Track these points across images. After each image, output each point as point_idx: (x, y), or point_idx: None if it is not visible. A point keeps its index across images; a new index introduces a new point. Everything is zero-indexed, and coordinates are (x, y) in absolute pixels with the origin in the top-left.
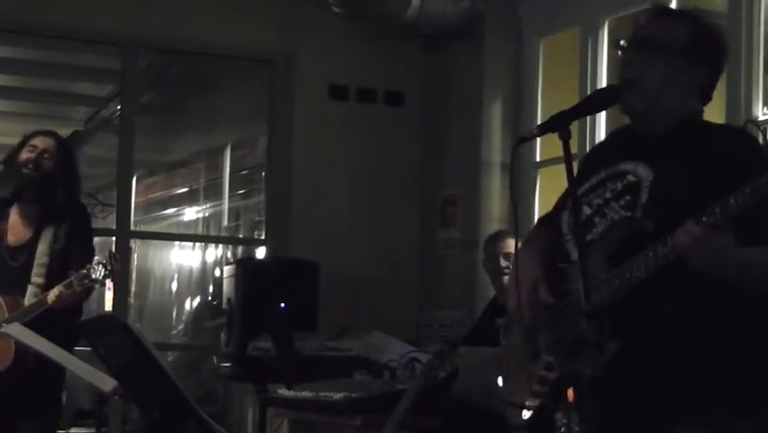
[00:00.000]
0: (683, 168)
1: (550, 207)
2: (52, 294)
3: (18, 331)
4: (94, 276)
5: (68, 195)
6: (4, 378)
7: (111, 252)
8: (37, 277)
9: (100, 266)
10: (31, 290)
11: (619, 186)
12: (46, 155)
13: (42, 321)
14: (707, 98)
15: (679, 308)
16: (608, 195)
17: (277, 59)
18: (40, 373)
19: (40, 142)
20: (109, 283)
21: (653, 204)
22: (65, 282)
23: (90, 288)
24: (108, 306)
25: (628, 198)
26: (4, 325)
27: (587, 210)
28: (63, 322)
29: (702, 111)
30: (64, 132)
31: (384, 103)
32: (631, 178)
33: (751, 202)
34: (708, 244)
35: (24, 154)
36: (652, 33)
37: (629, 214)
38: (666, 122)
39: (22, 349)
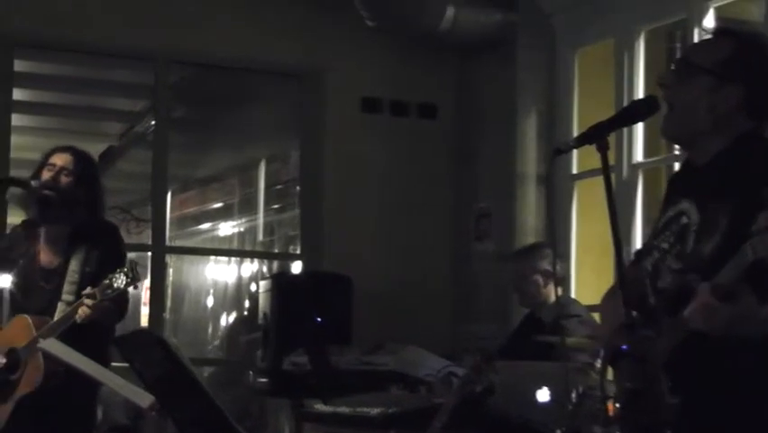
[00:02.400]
0: (725, 204)
1: (586, 220)
2: (81, 311)
3: (55, 347)
4: (116, 285)
5: (91, 211)
6: (34, 397)
7: (131, 260)
8: (68, 295)
9: (122, 275)
10: (60, 307)
11: (675, 230)
12: (64, 172)
13: (77, 337)
14: (761, 115)
15: (726, 360)
16: (671, 240)
17: (309, 73)
18: (70, 391)
19: (58, 159)
20: (144, 298)
21: (694, 255)
22: (87, 293)
23: (122, 306)
24: (144, 321)
25: (679, 247)
26: (41, 341)
27: (656, 255)
28: (98, 339)
29: (760, 128)
30: (98, 147)
31: (417, 116)
32: (684, 220)
33: None
34: (720, 318)
35: (45, 174)
36: (688, 55)
37: (680, 266)
38: (710, 147)
39: (52, 368)
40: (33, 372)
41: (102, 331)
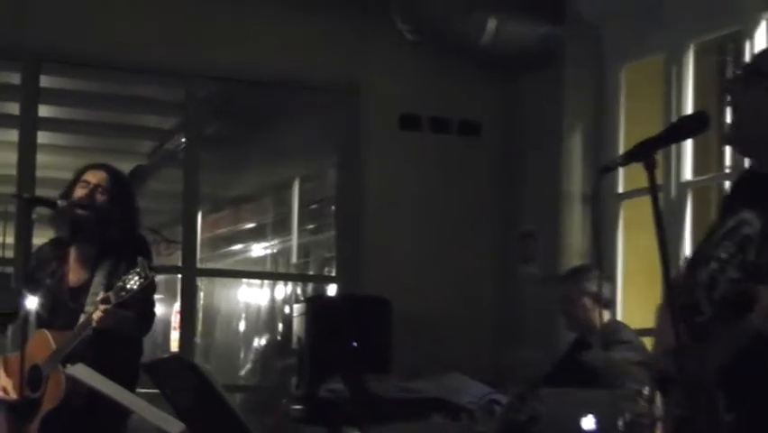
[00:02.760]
0: None
1: (633, 241)
2: (96, 314)
3: (83, 373)
4: (129, 286)
5: (125, 229)
6: (53, 416)
7: (143, 260)
8: (90, 306)
9: (134, 275)
10: (82, 318)
11: (736, 240)
12: (99, 190)
13: (102, 361)
14: None
15: None
16: (732, 250)
17: (345, 89)
18: (93, 412)
19: (92, 176)
20: (175, 323)
21: (757, 265)
22: (102, 298)
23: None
24: (174, 346)
25: (740, 257)
26: (68, 366)
27: (713, 265)
28: (123, 362)
29: None
30: (127, 166)
31: (458, 133)
32: (746, 230)
33: None
34: None
35: (78, 191)
36: (756, 61)
37: (741, 276)
38: None
39: (73, 386)
40: (55, 387)
41: (128, 347)
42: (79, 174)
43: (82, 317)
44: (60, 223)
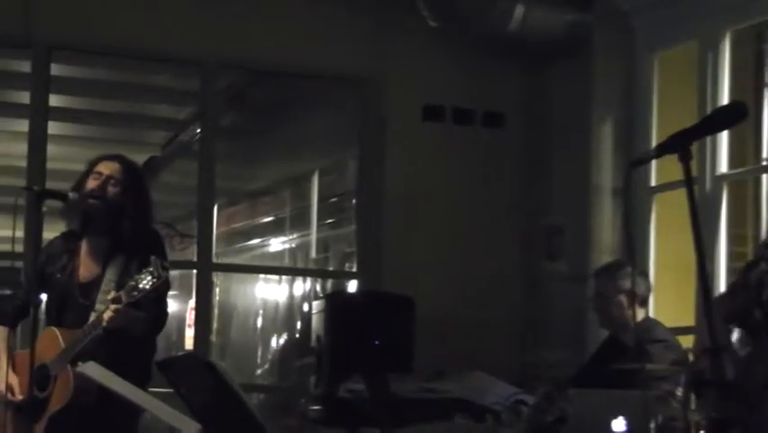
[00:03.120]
0: None
1: (666, 236)
2: (106, 314)
3: (96, 371)
4: (141, 285)
5: (137, 223)
6: (62, 416)
7: (156, 259)
8: (101, 305)
9: (147, 274)
10: (92, 318)
11: None
12: (111, 181)
13: (113, 360)
14: None
15: None
16: None
17: (367, 79)
18: (103, 412)
19: (104, 167)
20: (189, 320)
21: None
22: (113, 297)
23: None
24: (189, 344)
25: None
26: (80, 364)
27: (763, 266)
28: (135, 361)
29: None
30: (141, 157)
31: (482, 124)
32: None
33: None
34: None
35: (90, 183)
36: None
37: None
38: None
39: (82, 384)
40: (63, 387)
41: (140, 345)
42: (92, 165)
43: (92, 316)
44: (71, 215)
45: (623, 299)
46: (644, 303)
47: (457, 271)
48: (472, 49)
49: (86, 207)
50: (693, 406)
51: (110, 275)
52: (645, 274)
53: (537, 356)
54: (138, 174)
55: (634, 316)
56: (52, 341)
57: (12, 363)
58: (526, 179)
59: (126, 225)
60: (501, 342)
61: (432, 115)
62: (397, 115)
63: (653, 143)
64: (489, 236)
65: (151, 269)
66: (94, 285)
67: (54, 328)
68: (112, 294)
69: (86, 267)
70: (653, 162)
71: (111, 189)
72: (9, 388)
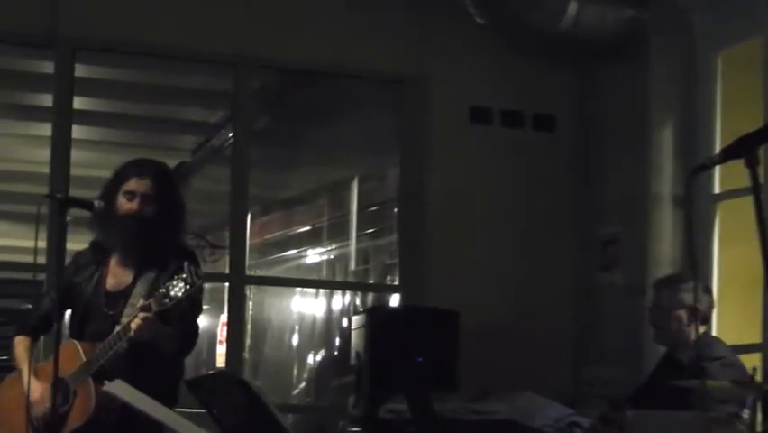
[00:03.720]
0: None
1: (730, 247)
2: (134, 322)
3: (122, 389)
4: (173, 293)
5: (173, 238)
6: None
7: (190, 265)
8: (127, 318)
9: (179, 281)
10: (117, 329)
11: None
12: (147, 200)
13: (136, 380)
14: None
15: None
16: None
17: (410, 80)
18: (126, 430)
19: (136, 185)
20: (221, 335)
21: None
22: (142, 305)
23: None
24: (220, 361)
25: None
26: (106, 383)
27: None
28: (161, 382)
29: None
30: (170, 163)
31: (533, 127)
32: None
33: None
34: None
35: (123, 204)
36: None
37: None
38: None
39: (105, 402)
40: (84, 402)
41: (166, 366)
42: (120, 180)
43: (117, 329)
44: (104, 230)
45: (683, 314)
46: (706, 321)
47: (505, 284)
48: (522, 47)
49: (123, 228)
50: (761, 428)
51: (140, 288)
52: (709, 290)
53: (592, 374)
54: (172, 184)
55: (696, 332)
56: (73, 354)
57: (35, 375)
58: (580, 186)
59: (161, 238)
60: (552, 359)
61: (479, 118)
62: (441, 118)
63: (717, 148)
64: (539, 247)
65: (184, 275)
66: (121, 296)
67: (75, 341)
68: (142, 301)
69: (114, 276)
70: (717, 168)
71: (148, 209)
72: (35, 399)
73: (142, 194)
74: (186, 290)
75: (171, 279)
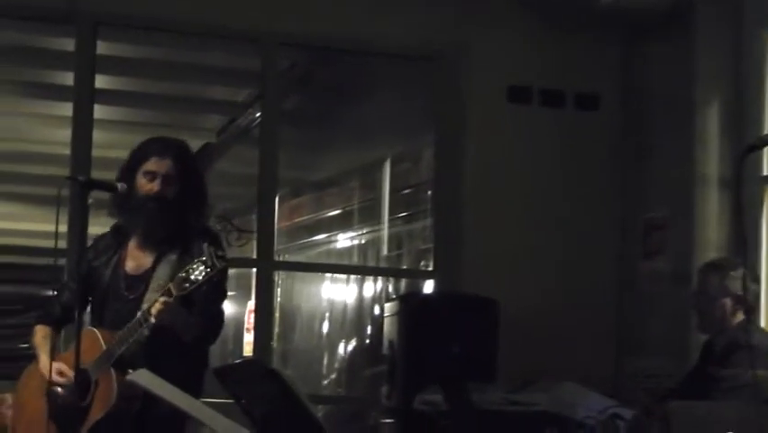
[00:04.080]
0: None
1: None
2: (155, 307)
3: (146, 379)
4: (193, 276)
5: (195, 218)
6: (105, 424)
7: (210, 247)
8: (148, 303)
9: (200, 264)
10: (138, 316)
11: None
12: (169, 181)
13: (162, 367)
14: None
15: None
16: None
17: (445, 57)
18: (147, 419)
19: (156, 166)
20: (248, 323)
21: None
22: (165, 289)
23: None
24: (248, 350)
25: None
26: (130, 372)
27: None
28: (183, 373)
29: None
30: (194, 144)
31: (574, 107)
32: None
33: None
34: None
35: (144, 184)
36: None
37: None
38: None
39: (127, 390)
40: (105, 393)
41: (189, 356)
42: (139, 159)
43: (138, 315)
44: (121, 209)
45: (728, 302)
46: (751, 311)
47: (545, 271)
48: (562, 22)
49: (144, 210)
50: None
51: (161, 272)
52: (758, 279)
53: (635, 365)
54: (193, 164)
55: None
56: (93, 343)
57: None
58: (623, 168)
59: (183, 220)
60: (595, 349)
61: (518, 97)
62: (478, 97)
63: (766, 127)
64: (581, 232)
65: (204, 258)
66: (142, 280)
67: (94, 330)
68: (159, 299)
69: (134, 259)
70: (766, 149)
71: (169, 190)
72: (59, 372)
73: (164, 175)
74: (206, 273)
75: (192, 262)
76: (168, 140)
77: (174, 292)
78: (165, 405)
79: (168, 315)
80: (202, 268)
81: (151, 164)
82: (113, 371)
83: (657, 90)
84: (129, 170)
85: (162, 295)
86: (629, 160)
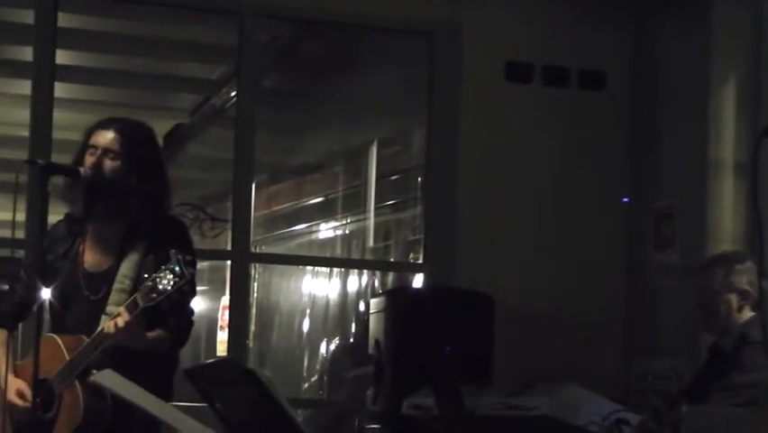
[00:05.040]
0: None
1: None
2: (110, 322)
3: (112, 380)
4: (161, 286)
5: (149, 204)
6: None
7: (179, 255)
8: (114, 306)
9: (167, 273)
10: (104, 320)
11: None
12: (109, 156)
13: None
14: None
15: None
16: None
17: (438, 31)
18: (121, 426)
19: (99, 138)
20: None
21: None
22: (126, 304)
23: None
24: (221, 349)
25: None
26: (94, 373)
27: None
28: (152, 376)
29: None
30: (164, 125)
31: (579, 86)
32: None
33: None
34: None
35: (88, 159)
36: None
37: None
38: None
39: (93, 403)
40: (71, 407)
41: (157, 361)
42: (87, 135)
43: (103, 320)
44: (74, 196)
45: (733, 298)
46: (758, 308)
47: (545, 264)
48: None
49: (86, 188)
50: None
51: (125, 270)
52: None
53: (643, 367)
54: (142, 140)
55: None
56: (55, 351)
57: (14, 373)
58: (631, 152)
59: (134, 206)
60: (599, 349)
61: (517, 75)
62: (474, 75)
63: None
64: (585, 221)
65: (172, 265)
66: (104, 278)
67: (55, 337)
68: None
69: (92, 255)
70: None
71: (109, 164)
72: (18, 393)
73: (105, 148)
74: (175, 283)
75: (158, 270)
76: (119, 117)
77: (141, 304)
78: (135, 417)
79: (129, 340)
80: (171, 277)
81: (95, 137)
82: (78, 385)
83: (669, 68)
84: (80, 151)
85: (128, 311)
86: (638, 143)
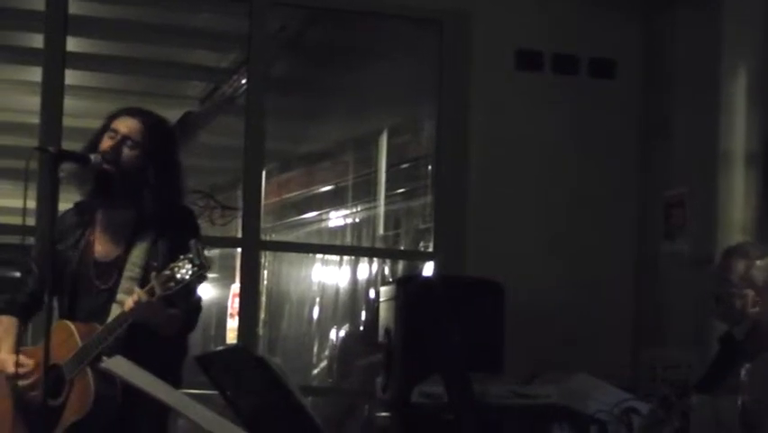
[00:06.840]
0: None
1: None
2: (130, 299)
3: (122, 367)
4: (179, 275)
5: (161, 196)
6: (81, 428)
7: (197, 244)
8: (124, 294)
9: (186, 262)
10: (114, 309)
11: None
12: (128, 143)
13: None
14: None
15: None
16: None
17: (448, 19)
18: (128, 420)
19: (122, 124)
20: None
21: None
22: (147, 288)
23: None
24: (231, 337)
25: None
26: (104, 359)
27: None
28: (161, 364)
29: None
30: (174, 113)
31: (589, 74)
32: None
33: None
34: None
35: (105, 142)
36: None
37: None
38: None
39: (104, 391)
40: (81, 394)
41: (167, 345)
42: (110, 119)
43: (113, 308)
44: (85, 182)
45: (750, 293)
46: None
47: (556, 252)
48: None
49: (99, 172)
50: None
51: (135, 258)
52: None
53: (653, 356)
54: (165, 136)
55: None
56: (67, 337)
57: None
58: (642, 141)
59: (147, 197)
60: (609, 338)
61: (527, 63)
62: (484, 63)
63: None
64: (595, 210)
65: (191, 255)
66: (113, 267)
67: (68, 322)
68: (137, 291)
69: (102, 244)
70: None
71: (127, 152)
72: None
73: (125, 135)
74: (193, 272)
75: (176, 259)
76: (147, 110)
77: (158, 292)
78: (145, 404)
79: (149, 315)
80: (189, 267)
81: (117, 123)
82: (90, 372)
83: (680, 56)
84: (98, 133)
85: (146, 293)
86: (648, 132)
